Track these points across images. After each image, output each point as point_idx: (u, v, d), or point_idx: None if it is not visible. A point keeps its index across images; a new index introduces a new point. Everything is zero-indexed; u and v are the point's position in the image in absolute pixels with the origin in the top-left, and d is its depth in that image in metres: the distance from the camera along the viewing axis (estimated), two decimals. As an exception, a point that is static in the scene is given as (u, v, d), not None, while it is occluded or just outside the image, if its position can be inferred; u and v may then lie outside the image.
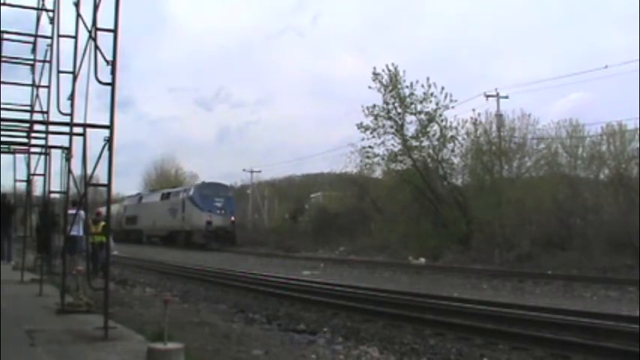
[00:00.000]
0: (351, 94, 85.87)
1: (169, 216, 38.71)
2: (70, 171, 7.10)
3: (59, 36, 7.75)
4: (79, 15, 6.63)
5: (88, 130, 6.26)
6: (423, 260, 22.74)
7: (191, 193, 36.85)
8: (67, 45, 7.34)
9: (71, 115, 6.83)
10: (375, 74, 26.83)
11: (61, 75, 7.31)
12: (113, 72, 5.52)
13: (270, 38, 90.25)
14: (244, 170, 49.20)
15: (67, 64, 7.18)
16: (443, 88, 26.08)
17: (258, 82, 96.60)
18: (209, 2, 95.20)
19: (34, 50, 9.12)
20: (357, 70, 71.87)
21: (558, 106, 59.14)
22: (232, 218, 36.28)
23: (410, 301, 10.25)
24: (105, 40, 5.61)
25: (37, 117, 8.60)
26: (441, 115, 26.47)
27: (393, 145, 27.44)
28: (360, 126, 27.30)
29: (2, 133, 8.07)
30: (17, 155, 10.07)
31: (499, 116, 27.05)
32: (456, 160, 27.85)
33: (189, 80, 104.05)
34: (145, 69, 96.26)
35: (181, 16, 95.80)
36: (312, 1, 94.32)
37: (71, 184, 7.22)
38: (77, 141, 6.67)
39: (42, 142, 8.44)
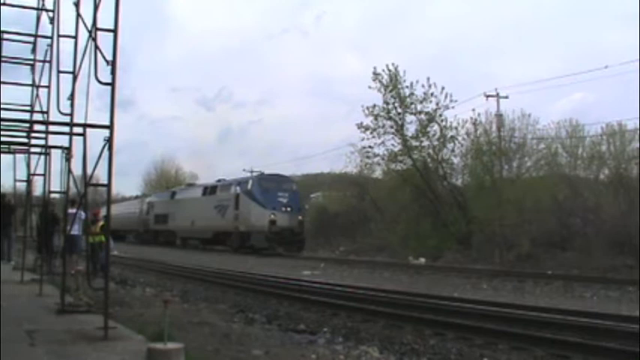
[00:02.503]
0: (353, 93, 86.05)
1: (216, 214, 32.08)
2: (70, 171, 7.11)
3: (59, 36, 7.77)
4: (79, 15, 6.64)
5: (88, 130, 6.27)
6: (423, 260, 22.74)
7: (249, 186, 29.89)
8: (67, 45, 7.36)
9: (71, 115, 6.84)
10: (376, 74, 26.91)
11: (61, 75, 7.32)
12: (113, 72, 5.53)
13: (272, 38, 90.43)
14: (244, 170, 49.01)
15: (67, 64, 7.20)
16: (443, 88, 26.17)
17: (259, 82, 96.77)
18: (211, 2, 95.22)
19: (34, 50, 9.13)
20: (359, 69, 72.05)
21: (560, 106, 59.28)
22: (300, 217, 29.56)
23: (410, 301, 10.24)
24: (105, 40, 5.63)
25: (37, 117, 8.61)
26: (441, 115, 26.57)
27: (393, 145, 27.54)
28: (360, 126, 27.39)
29: (2, 133, 8.08)
30: (17, 155, 10.09)
31: (499, 116, 27.06)
32: (456, 160, 27.93)
33: (191, 80, 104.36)
34: (147, 69, 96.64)
35: (183, 15, 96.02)
36: (316, 1, 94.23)
37: (71, 184, 7.23)
38: (77, 141, 6.68)
39: (42, 142, 8.45)
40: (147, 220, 41.85)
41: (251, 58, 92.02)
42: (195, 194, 36.26)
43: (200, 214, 33.83)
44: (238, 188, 30.82)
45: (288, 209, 28.97)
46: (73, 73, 6.83)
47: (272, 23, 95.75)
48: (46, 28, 8.69)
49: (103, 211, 14.81)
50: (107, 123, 5.56)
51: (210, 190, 34.62)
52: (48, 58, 8.58)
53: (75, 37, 6.93)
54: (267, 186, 29.63)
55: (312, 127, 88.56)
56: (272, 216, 28.25)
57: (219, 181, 35.22)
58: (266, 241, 27.99)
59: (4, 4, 8.23)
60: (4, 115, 7.85)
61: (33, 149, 9.11)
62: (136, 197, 55.35)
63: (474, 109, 27.78)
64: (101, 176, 6.76)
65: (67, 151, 7.07)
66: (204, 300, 11.23)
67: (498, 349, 6.76)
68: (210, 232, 32.51)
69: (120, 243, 37.85)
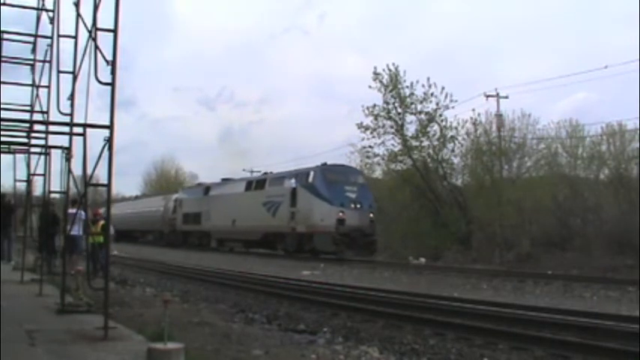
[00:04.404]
0: (354, 93, 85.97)
1: (265, 212, 27.49)
2: (70, 171, 7.11)
3: (59, 36, 7.79)
4: (79, 15, 6.65)
5: (88, 130, 6.27)
6: (423, 260, 22.74)
7: (311, 178, 25.19)
8: (67, 45, 7.37)
9: (71, 115, 6.85)
10: (376, 74, 26.98)
11: (61, 75, 7.34)
12: (113, 72, 5.54)
13: (274, 37, 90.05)
14: (244, 170, 49.00)
15: (67, 64, 7.21)
16: (443, 88, 26.26)
17: (261, 82, 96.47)
18: (213, 1, 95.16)
19: (34, 50, 9.13)
20: (361, 69, 71.87)
21: (560, 106, 59.24)
22: (371, 215, 24.76)
23: (410, 301, 10.24)
24: (105, 40, 5.63)
25: (37, 117, 8.61)
26: (441, 115, 26.66)
27: (393, 145, 27.60)
28: (360, 126, 27.43)
29: (2, 133, 8.08)
30: (17, 155, 10.10)
31: (499, 116, 27.12)
32: (456, 160, 28.04)
33: (193, 80, 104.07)
34: (149, 69, 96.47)
35: (185, 15, 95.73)
36: (318, 0, 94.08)
37: (71, 184, 7.23)
38: (77, 141, 6.69)
39: (42, 142, 8.46)
40: (173, 219, 37.44)
41: (253, 58, 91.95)
42: (236, 190, 31.44)
43: (244, 212, 29.28)
44: (294, 181, 26.10)
45: (358, 206, 24.40)
46: (73, 73, 6.84)
47: (275, 22, 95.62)
48: (46, 28, 8.71)
49: (102, 211, 14.82)
50: (107, 123, 5.57)
51: (256, 184, 29.83)
52: (48, 58, 8.59)
53: (75, 37, 6.94)
54: (332, 178, 24.97)
55: (314, 127, 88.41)
56: (340, 214, 23.76)
57: (265, 174, 30.91)
58: (333, 243, 23.45)
59: (4, 4, 8.24)
60: (4, 115, 7.86)
61: (33, 149, 9.12)
62: (136, 197, 55.11)
63: (474, 109, 27.94)
64: (101, 176, 6.78)
65: (67, 151, 7.08)
66: (204, 300, 11.23)
67: (498, 349, 6.76)
68: (257, 234, 28.11)
69: (123, 244, 36.06)
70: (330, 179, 24.87)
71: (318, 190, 24.64)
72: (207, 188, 35.24)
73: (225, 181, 35.04)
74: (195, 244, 33.98)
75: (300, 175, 26.21)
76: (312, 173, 25.50)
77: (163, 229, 38.80)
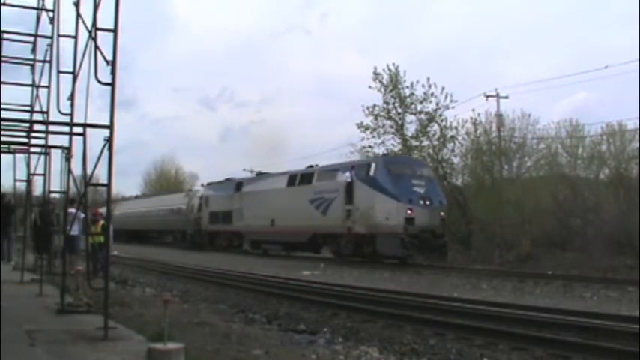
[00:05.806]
0: (355, 93, 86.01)
1: (313, 210, 23.68)
2: (70, 171, 7.12)
3: (59, 36, 7.80)
4: (79, 15, 6.65)
5: (88, 130, 6.27)
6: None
7: (372, 171, 21.44)
8: (67, 45, 7.37)
9: (71, 115, 6.86)
10: (376, 74, 27.00)
11: (61, 75, 7.35)
12: (113, 72, 5.54)
13: (276, 37, 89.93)
14: (244, 170, 48.88)
15: (67, 64, 7.22)
16: (443, 88, 26.28)
17: (262, 81, 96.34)
18: (214, 1, 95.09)
19: (34, 50, 9.13)
20: (361, 69, 72.00)
21: (560, 106, 59.26)
22: (442, 213, 21.26)
23: (410, 301, 10.24)
24: (105, 40, 5.64)
25: (37, 117, 8.61)
26: (441, 115, 26.66)
27: (393, 145, 27.59)
28: (360, 126, 27.43)
29: (2, 133, 8.08)
30: (17, 155, 10.10)
31: (499, 116, 27.12)
32: (456, 160, 28.02)
33: (194, 79, 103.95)
34: (149, 68, 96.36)
35: (186, 15, 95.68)
36: (319, 0, 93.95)
37: (71, 184, 7.24)
38: (77, 141, 6.70)
39: (42, 142, 8.46)
40: (199, 219, 34.01)
41: (254, 58, 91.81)
42: (275, 185, 27.33)
43: (286, 211, 25.52)
44: (349, 175, 22.32)
45: (427, 203, 20.81)
46: (73, 73, 6.85)
47: (276, 22, 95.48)
48: (46, 28, 8.71)
49: (102, 211, 14.80)
50: (107, 123, 5.57)
51: (300, 178, 25.65)
52: (48, 58, 8.60)
53: (75, 37, 6.95)
54: (397, 171, 21.39)
55: (315, 127, 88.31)
56: (409, 212, 20.29)
57: (310, 166, 26.67)
58: (401, 246, 19.90)
59: (4, 4, 8.24)
60: (4, 115, 7.86)
61: (33, 149, 9.13)
62: (136, 197, 54.98)
63: (474, 109, 27.95)
64: (101, 176, 6.78)
65: (67, 151, 7.09)
66: (204, 300, 11.23)
67: (498, 349, 6.76)
68: (302, 235, 24.39)
69: (131, 245, 34.90)
70: (394, 172, 21.34)
71: (382, 185, 20.97)
72: (239, 184, 31.13)
73: (260, 175, 31.85)
74: (223, 245, 30.93)
75: (358, 167, 22.58)
76: (373, 165, 21.92)
77: (187, 229, 35.51)
